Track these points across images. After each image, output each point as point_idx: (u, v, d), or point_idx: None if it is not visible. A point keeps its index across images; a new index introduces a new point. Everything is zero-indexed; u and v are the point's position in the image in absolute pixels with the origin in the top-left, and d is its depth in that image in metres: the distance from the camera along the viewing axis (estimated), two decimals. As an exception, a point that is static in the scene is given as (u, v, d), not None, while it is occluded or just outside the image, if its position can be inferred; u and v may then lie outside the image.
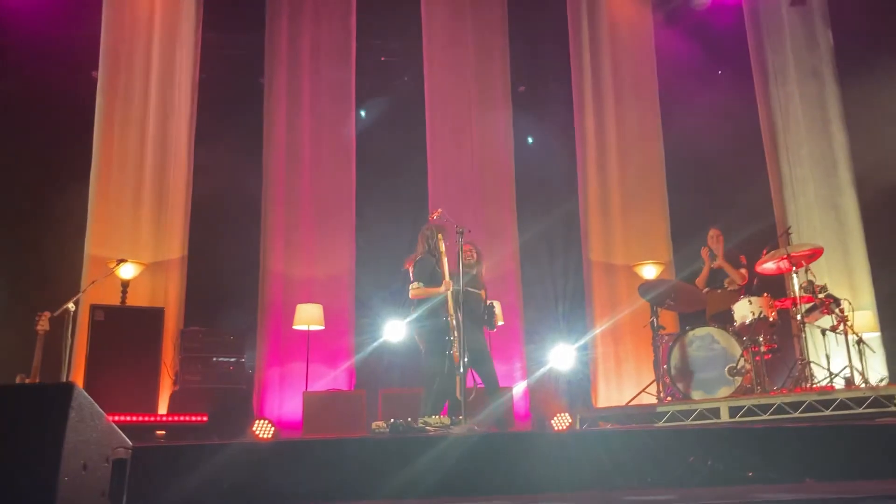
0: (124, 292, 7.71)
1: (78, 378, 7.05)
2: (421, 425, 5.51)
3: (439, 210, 6.26)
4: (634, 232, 9.28)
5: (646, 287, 7.68)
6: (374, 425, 5.88)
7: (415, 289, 6.03)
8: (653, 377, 7.43)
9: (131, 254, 7.82)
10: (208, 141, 8.80)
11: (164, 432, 6.91)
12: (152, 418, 6.99)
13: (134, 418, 6.68)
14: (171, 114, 8.61)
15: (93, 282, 7.14)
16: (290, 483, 4.11)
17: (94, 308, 7.22)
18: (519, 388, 8.41)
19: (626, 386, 8.56)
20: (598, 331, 8.96)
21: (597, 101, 9.65)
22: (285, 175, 8.91)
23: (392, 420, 5.64)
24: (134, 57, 8.57)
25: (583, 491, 4.13)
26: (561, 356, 8.74)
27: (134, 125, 8.43)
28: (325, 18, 9.35)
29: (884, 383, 7.24)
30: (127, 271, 7.68)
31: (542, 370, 8.62)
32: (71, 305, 6.18)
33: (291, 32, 9.25)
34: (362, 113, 9.94)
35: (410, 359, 8.83)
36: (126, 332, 7.28)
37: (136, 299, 7.83)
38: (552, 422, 7.73)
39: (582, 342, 8.86)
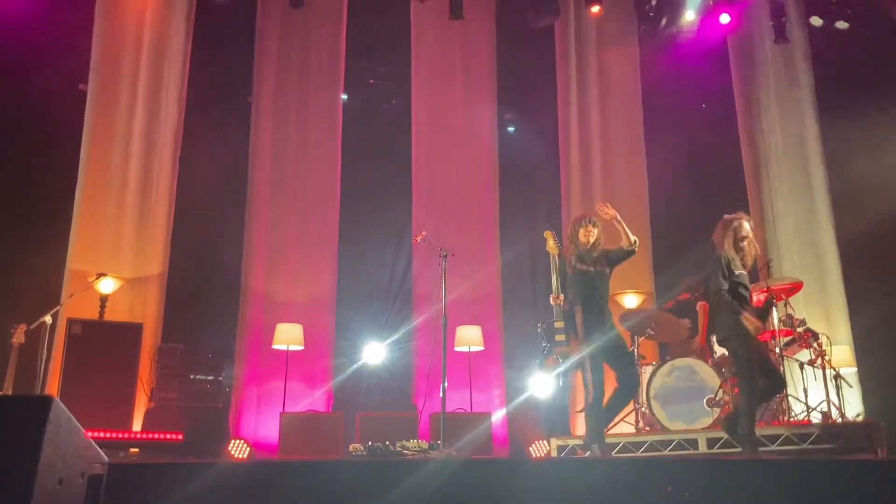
0: (103, 307, 7.63)
1: (52, 391, 6.96)
2: (399, 449, 5.48)
3: (423, 233, 6.28)
4: (617, 261, 9.31)
5: (626, 316, 7.72)
6: (351, 448, 5.84)
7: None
8: (632, 406, 7.43)
9: (112, 268, 7.76)
10: (194, 157, 8.77)
11: (137, 450, 6.81)
12: (126, 435, 6.89)
13: (107, 434, 6.57)
14: (157, 129, 8.58)
15: (71, 295, 7.09)
16: (265, 504, 4.05)
17: (71, 321, 7.14)
18: (498, 415, 8.38)
19: (606, 415, 8.54)
20: (577, 358, 8.93)
21: (582, 131, 9.73)
22: (269, 194, 8.90)
23: (370, 443, 5.60)
24: (122, 72, 8.55)
25: (560, 519, 4.10)
26: (540, 383, 8.72)
27: (119, 140, 8.39)
28: (314, 39, 9.40)
29: (860, 418, 7.28)
30: (106, 286, 7.61)
31: (522, 397, 8.60)
32: (48, 318, 6.12)
33: (280, 52, 9.29)
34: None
35: (390, 381, 8.82)
36: (103, 346, 7.20)
37: (115, 314, 7.76)
38: (530, 449, 7.72)
39: (562, 369, 8.83)
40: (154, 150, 8.53)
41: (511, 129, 10.42)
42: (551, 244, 5.77)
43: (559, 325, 5.61)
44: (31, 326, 6.08)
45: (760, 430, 6.41)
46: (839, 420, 6.80)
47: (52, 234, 8.01)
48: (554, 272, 5.70)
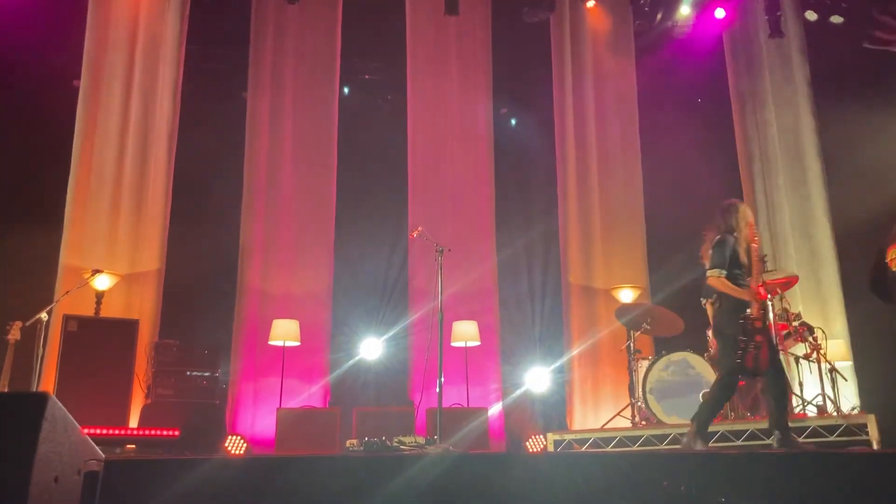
0: (98, 303, 7.62)
1: (48, 388, 6.94)
2: (395, 444, 5.49)
3: (419, 228, 6.28)
4: (614, 256, 9.33)
5: (622, 310, 7.73)
6: (347, 443, 5.84)
7: (714, 277, 5.20)
8: (629, 401, 7.45)
9: (107, 265, 7.74)
10: (189, 153, 8.75)
11: (133, 446, 6.81)
12: (123, 431, 6.88)
13: (104, 431, 6.55)
14: (152, 126, 8.56)
15: (66, 292, 7.06)
16: (261, 501, 4.05)
17: (66, 318, 7.11)
18: (494, 410, 8.39)
19: (604, 409, 8.57)
20: (574, 353, 8.97)
21: (578, 125, 9.73)
22: (265, 190, 8.89)
23: (367, 438, 5.60)
24: (116, 68, 8.52)
25: (556, 513, 4.11)
26: (537, 378, 8.75)
27: (113, 136, 8.37)
28: (309, 34, 9.38)
29: (855, 412, 7.30)
30: (102, 282, 7.60)
31: (518, 391, 8.62)
32: (43, 315, 6.11)
33: (276, 48, 9.27)
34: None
35: (386, 377, 8.82)
36: (99, 343, 7.17)
37: (111, 310, 7.73)
38: (527, 444, 7.73)
39: (558, 364, 8.87)
40: (149, 145, 8.51)
41: (503, 110, 10.36)
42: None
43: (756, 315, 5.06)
44: (27, 323, 6.06)
45: (755, 425, 6.43)
46: (835, 414, 6.82)
47: (47, 231, 7.97)
48: (755, 264, 5.26)
